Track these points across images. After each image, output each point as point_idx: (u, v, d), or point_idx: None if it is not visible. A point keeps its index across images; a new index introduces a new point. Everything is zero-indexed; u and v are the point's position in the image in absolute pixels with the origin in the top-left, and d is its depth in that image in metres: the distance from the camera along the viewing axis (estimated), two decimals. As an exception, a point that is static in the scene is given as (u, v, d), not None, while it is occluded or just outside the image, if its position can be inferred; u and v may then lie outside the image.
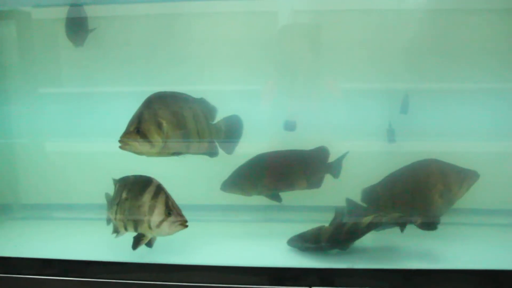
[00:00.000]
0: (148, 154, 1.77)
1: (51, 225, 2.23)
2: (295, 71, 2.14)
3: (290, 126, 2.08)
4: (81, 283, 1.67)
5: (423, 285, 1.62)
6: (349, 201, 1.94)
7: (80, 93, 2.26)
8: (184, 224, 1.65)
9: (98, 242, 1.92)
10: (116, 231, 1.80)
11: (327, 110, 2.13)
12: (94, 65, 2.19)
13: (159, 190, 1.69)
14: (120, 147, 1.69)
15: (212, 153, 1.92)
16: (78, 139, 2.29)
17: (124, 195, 1.74)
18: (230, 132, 1.96)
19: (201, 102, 1.89)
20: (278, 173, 2.02)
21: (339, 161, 2.03)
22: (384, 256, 1.80)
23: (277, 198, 2.02)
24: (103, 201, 1.97)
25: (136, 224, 1.71)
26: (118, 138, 1.70)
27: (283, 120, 2.08)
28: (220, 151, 1.94)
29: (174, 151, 1.79)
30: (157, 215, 1.66)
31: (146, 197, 1.68)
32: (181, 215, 1.66)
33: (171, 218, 1.65)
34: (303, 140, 2.05)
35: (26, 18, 2.24)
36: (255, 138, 2.08)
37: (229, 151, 1.96)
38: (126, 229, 1.76)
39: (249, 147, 2.07)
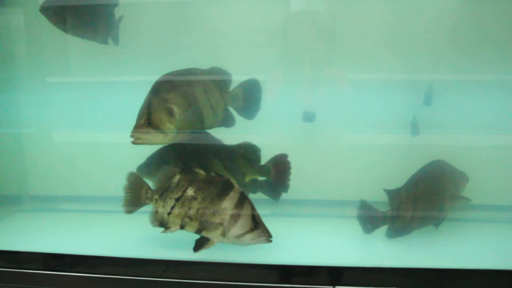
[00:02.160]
0: (163, 143, 1.71)
1: (60, 218, 2.19)
2: (308, 60, 2.07)
3: (309, 117, 2.02)
4: (91, 279, 1.63)
5: (449, 284, 1.57)
6: (362, 202, 1.86)
7: (89, 82, 2.22)
8: (269, 239, 1.55)
9: (108, 236, 1.89)
10: (164, 225, 1.65)
11: (341, 102, 2.07)
12: (102, 54, 2.13)
13: (244, 198, 1.58)
14: (133, 142, 1.63)
15: (228, 123, 1.83)
16: (87, 129, 2.25)
17: (190, 192, 1.60)
18: (250, 97, 1.85)
19: (213, 71, 1.81)
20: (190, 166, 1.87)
21: (276, 164, 1.86)
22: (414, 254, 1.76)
23: None
24: (113, 193, 1.93)
25: (202, 227, 1.59)
26: (129, 129, 1.64)
27: (302, 111, 2.02)
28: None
29: (190, 133, 1.72)
30: (241, 227, 1.55)
31: (228, 204, 1.57)
32: (267, 230, 1.56)
33: (258, 232, 1.55)
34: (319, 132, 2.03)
35: (34, 5, 2.19)
36: (267, 129, 2.04)
37: (250, 116, 1.86)
38: (182, 228, 1.63)
39: (260, 138, 2.02)
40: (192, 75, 1.78)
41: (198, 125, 1.75)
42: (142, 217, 1.78)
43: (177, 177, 1.63)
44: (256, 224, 1.55)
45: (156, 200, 1.64)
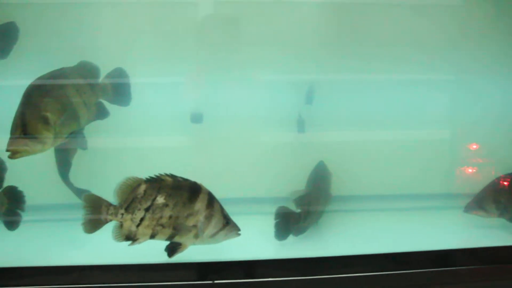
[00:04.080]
0: (43, 151, 1.64)
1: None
2: (211, 63, 2.15)
3: (196, 118, 2.07)
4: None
5: (333, 271, 1.67)
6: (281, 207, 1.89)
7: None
8: (238, 233, 1.62)
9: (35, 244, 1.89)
10: (131, 238, 1.59)
11: (239, 102, 2.13)
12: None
13: (212, 198, 1.62)
14: (10, 156, 1.54)
15: (101, 116, 1.86)
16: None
17: (160, 199, 1.58)
18: (119, 86, 1.90)
19: (80, 67, 1.82)
20: None
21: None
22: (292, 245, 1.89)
23: None
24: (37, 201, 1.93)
25: (175, 233, 1.59)
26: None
27: (190, 112, 2.07)
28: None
29: (68, 134, 1.71)
30: (214, 225, 1.59)
31: (200, 206, 1.59)
32: (236, 224, 1.62)
33: (229, 227, 1.60)
34: (211, 133, 2.12)
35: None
36: (164, 131, 2.12)
37: (124, 103, 1.92)
38: (153, 237, 1.59)
39: (161, 141, 2.11)
40: (63, 75, 1.74)
41: (75, 126, 1.74)
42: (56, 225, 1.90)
43: (143, 187, 1.60)
44: (228, 220, 1.61)
45: (122, 214, 1.59)
